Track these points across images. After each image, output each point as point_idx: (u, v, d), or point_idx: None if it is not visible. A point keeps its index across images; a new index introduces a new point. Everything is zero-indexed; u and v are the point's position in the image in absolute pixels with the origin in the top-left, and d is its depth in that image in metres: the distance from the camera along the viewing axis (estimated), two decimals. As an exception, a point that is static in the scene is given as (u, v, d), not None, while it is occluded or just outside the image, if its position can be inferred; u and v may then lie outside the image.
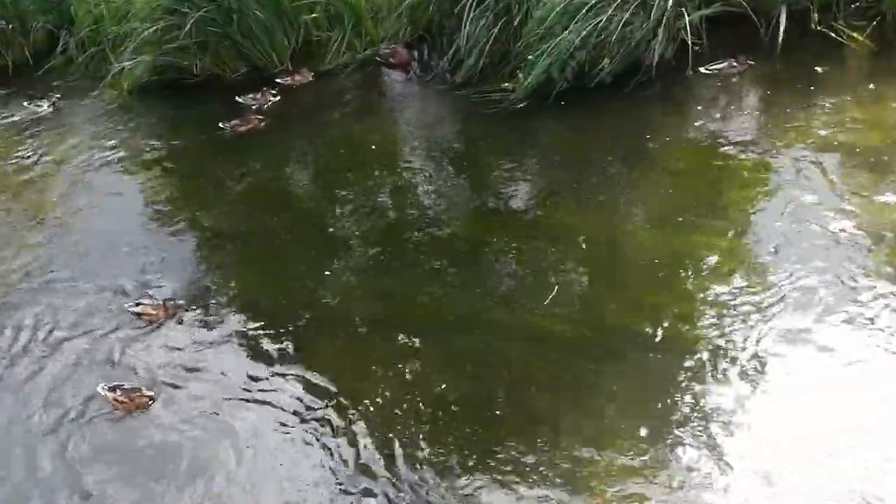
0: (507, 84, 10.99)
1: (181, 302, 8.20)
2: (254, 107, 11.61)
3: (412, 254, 8.50)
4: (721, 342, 6.48)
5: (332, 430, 6.34)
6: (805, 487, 5.19)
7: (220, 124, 11.21)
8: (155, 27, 11.91)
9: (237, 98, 11.70)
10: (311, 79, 12.17)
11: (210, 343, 7.59)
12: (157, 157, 11.00)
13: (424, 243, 8.55)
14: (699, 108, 10.30)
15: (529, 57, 10.58)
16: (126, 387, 7.09)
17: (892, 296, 6.55)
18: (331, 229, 9.11)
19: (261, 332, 7.59)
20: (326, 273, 8.29)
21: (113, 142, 11.41)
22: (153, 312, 8.02)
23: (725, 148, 9.37)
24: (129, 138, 11.57)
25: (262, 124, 11.23)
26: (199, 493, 5.94)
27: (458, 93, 11.27)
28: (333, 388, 6.71)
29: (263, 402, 6.76)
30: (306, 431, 6.44)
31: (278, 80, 12.05)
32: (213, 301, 8.10)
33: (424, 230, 8.76)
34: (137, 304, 8.14)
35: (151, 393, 7.00)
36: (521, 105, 10.61)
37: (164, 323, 7.93)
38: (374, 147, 10.59)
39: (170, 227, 9.41)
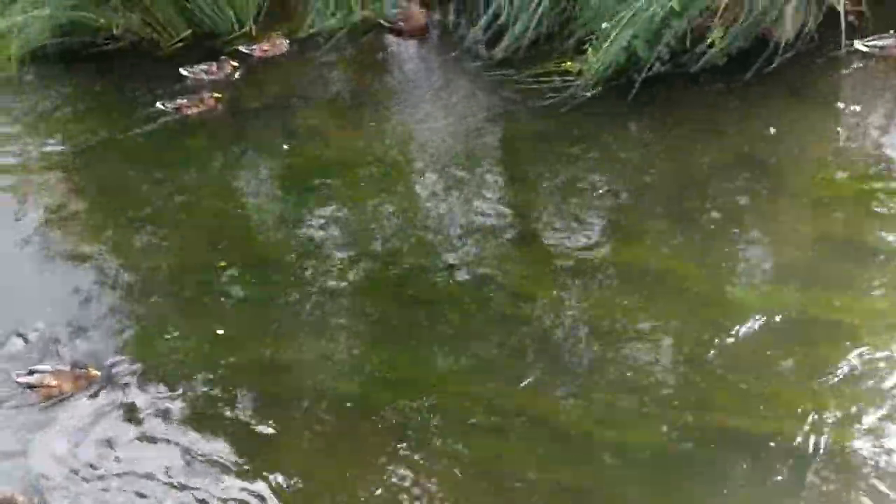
0: (569, 64, 10.86)
1: (95, 372, 8.04)
2: (206, 82, 11.64)
3: (420, 312, 8.34)
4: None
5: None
6: None
7: (159, 104, 11.23)
8: (57, -34, 11.70)
9: (182, 70, 11.70)
10: (286, 49, 12.09)
11: (133, 436, 7.49)
12: (56, 159, 10.89)
13: (440, 297, 8.40)
14: (852, 104, 10.14)
15: (604, 25, 10.37)
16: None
17: None
18: (301, 272, 8.92)
19: (195, 420, 7.48)
20: (289, 337, 8.21)
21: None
22: (54, 384, 8.04)
23: (887, 166, 9.33)
24: (14, 132, 11.57)
25: (219, 106, 11.24)
26: None
27: (496, 74, 11.13)
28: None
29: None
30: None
31: (242, 49, 12.03)
32: (132, 370, 8.00)
33: (439, 277, 8.64)
34: (31, 373, 8.15)
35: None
36: (590, 95, 10.45)
37: (69, 398, 7.90)
38: (369, 154, 10.43)
39: (72, 262, 9.29)
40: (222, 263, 9.06)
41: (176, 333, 8.36)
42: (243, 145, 10.89)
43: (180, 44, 12.28)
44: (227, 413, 7.58)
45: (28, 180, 10.69)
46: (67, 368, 8.06)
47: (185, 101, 11.24)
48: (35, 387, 8.03)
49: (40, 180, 10.68)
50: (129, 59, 12.20)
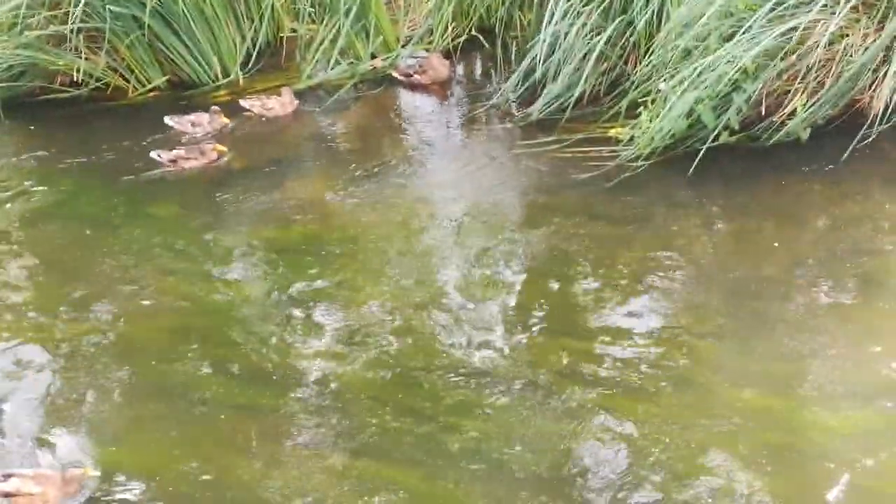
0: (619, 130, 10.64)
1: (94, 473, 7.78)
2: (195, 135, 11.55)
3: (423, 425, 7.86)
4: None
5: None
6: None
7: (154, 154, 11.15)
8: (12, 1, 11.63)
9: (168, 119, 11.55)
10: (293, 108, 11.97)
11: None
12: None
13: (449, 435, 7.72)
14: None
15: (661, 86, 10.10)
16: None
17: None
18: (285, 378, 8.42)
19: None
20: (272, 453, 7.72)
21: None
22: (35, 491, 7.80)
23: None
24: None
25: (221, 158, 11.20)
26: None
27: (531, 140, 10.86)
28: None
29: None
30: None
31: (242, 103, 11.89)
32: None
33: (447, 408, 7.98)
34: (7, 478, 7.89)
35: None
36: (643, 168, 10.14)
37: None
38: (373, 233, 10.03)
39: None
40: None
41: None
42: (223, 218, 10.62)
43: (156, 93, 12.29)
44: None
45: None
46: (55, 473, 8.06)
47: (181, 151, 11.28)
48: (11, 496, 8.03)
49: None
50: (91, 111, 12.22)
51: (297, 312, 9.18)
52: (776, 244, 9.43)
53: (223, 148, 11.16)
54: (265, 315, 9.27)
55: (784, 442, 7.35)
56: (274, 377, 8.50)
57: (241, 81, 12.16)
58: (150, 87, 12.13)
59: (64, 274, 10.05)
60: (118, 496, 7.59)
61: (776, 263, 9.18)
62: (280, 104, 11.83)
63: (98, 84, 12.06)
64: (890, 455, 7.13)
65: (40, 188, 11.22)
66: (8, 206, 10.96)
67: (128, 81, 12.13)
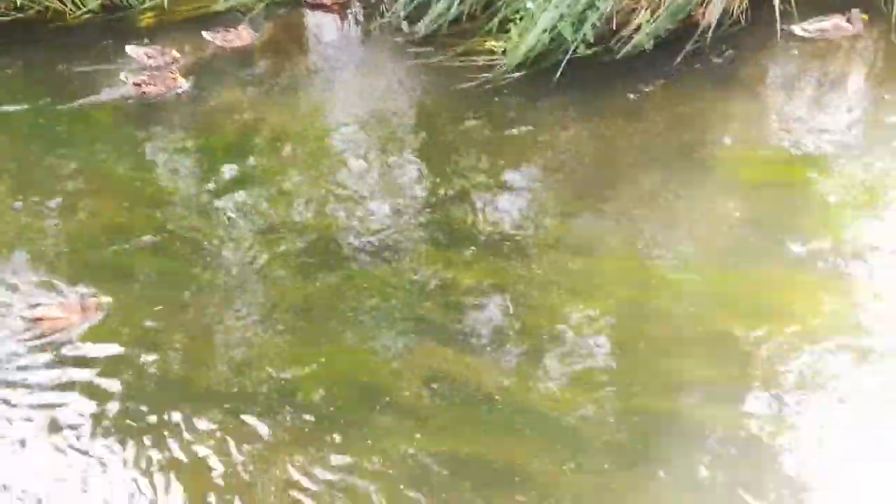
0: (493, 44, 11.32)
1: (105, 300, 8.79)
2: (150, 64, 12.09)
3: (344, 297, 8.74)
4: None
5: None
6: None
7: (122, 76, 11.74)
8: None
9: (128, 49, 12.23)
10: (251, 40, 12.53)
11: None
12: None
13: (364, 285, 8.78)
14: (782, 88, 10.77)
15: (528, 5, 10.78)
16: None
17: None
18: (213, 245, 9.48)
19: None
20: (212, 318, 8.62)
21: None
22: (60, 315, 8.78)
23: (813, 151, 9.92)
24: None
25: (180, 87, 11.74)
26: None
27: (419, 52, 11.59)
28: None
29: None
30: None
31: (205, 35, 12.42)
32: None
33: (361, 265, 9.00)
34: (35, 307, 8.89)
35: None
36: (515, 77, 10.94)
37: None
38: (289, 140, 10.85)
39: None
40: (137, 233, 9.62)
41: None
42: (159, 126, 11.38)
43: (87, 16, 12.76)
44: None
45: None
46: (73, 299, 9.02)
47: (146, 77, 11.83)
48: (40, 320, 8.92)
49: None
50: (36, 30, 12.72)
51: (225, 197, 10.07)
52: (624, 137, 10.37)
53: (181, 78, 11.79)
54: (198, 200, 10.13)
55: (635, 296, 8.46)
56: (207, 254, 9.36)
57: (166, 4, 12.65)
58: (85, 10, 12.62)
59: (18, 179, 10.74)
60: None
61: (625, 152, 10.20)
62: (238, 36, 12.45)
63: (39, 8, 12.58)
64: (730, 306, 8.27)
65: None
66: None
67: (65, 5, 12.57)
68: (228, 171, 10.50)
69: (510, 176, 10.01)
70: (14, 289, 9.12)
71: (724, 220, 9.20)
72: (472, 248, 9.06)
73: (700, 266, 8.77)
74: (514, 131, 10.57)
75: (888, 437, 7.04)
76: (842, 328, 7.90)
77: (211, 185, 10.31)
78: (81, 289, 8.99)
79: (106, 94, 11.85)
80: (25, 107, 11.74)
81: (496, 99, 10.91)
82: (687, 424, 7.36)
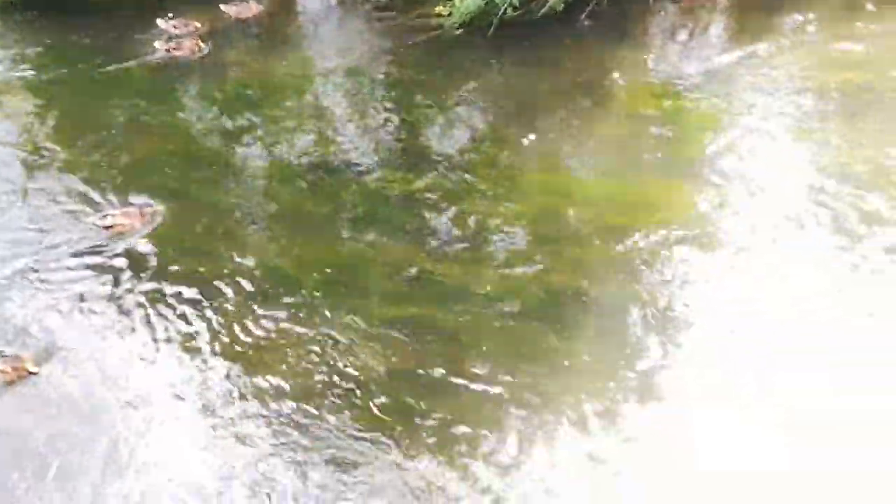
0: (440, 8, 13.69)
1: (159, 207, 10.94)
2: (178, 34, 14.44)
3: (329, 203, 11.26)
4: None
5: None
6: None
7: (157, 43, 14.10)
8: None
9: (159, 21, 14.62)
10: (258, 11, 14.89)
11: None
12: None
13: (343, 193, 11.40)
14: (660, 41, 13.53)
15: None
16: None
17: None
18: (226, 165, 12.06)
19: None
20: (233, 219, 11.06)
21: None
22: (125, 222, 10.85)
23: (684, 87, 12.58)
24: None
25: (204, 51, 14.14)
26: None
27: (383, 16, 14.18)
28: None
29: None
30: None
31: (222, 7, 14.77)
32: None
33: (338, 179, 11.65)
34: (105, 217, 10.86)
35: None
36: (457, 34, 13.43)
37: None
38: (286, 86, 13.41)
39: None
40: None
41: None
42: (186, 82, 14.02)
43: None
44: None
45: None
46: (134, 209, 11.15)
47: (173, 43, 14.24)
48: (110, 227, 10.94)
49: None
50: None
51: (239, 131, 12.58)
52: (543, 80, 12.96)
53: (202, 43, 14.24)
54: (219, 134, 12.70)
55: (550, 200, 11.03)
56: (228, 173, 11.89)
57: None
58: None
59: (79, 124, 13.12)
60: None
61: (543, 90, 12.81)
62: (248, 8, 14.95)
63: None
64: (621, 206, 10.80)
65: (49, 67, 14.14)
66: (28, 75, 14.00)
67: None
68: (241, 112, 12.94)
69: (455, 111, 12.59)
70: (88, 202, 11.33)
71: (618, 140, 11.81)
72: (426, 166, 11.62)
73: (600, 176, 11.47)
74: (457, 75, 13.11)
75: (713, 269, 9.95)
76: (695, 219, 10.49)
77: (229, 124, 12.80)
78: (139, 200, 11.23)
79: (143, 58, 14.15)
80: (80, 68, 13.97)
81: (444, 51, 13.46)
82: (584, 292, 9.72)
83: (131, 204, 11.26)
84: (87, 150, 12.38)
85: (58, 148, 12.33)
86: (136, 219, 11.04)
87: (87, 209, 11.24)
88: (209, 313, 9.76)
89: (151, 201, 11.24)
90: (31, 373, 9.21)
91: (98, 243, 10.76)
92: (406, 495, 7.91)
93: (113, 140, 12.59)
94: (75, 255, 10.59)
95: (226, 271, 10.27)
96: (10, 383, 9.12)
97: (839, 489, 7.63)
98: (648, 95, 12.66)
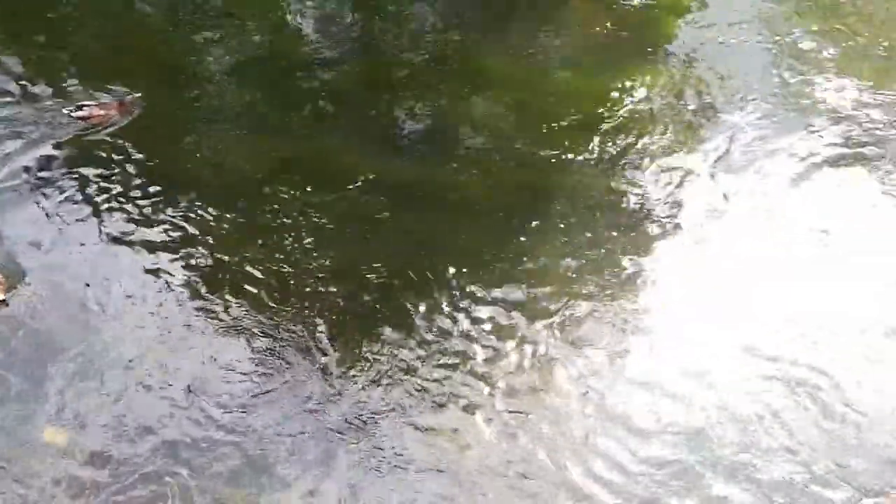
0: None
1: (138, 95, 11.42)
2: None
3: (298, 98, 12.04)
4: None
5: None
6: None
7: None
8: None
9: None
10: None
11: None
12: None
13: (312, 88, 12.22)
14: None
15: None
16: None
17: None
18: (212, 79, 12.48)
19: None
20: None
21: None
22: (101, 113, 11.12)
23: None
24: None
25: None
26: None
27: None
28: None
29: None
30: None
31: None
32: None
33: (311, 72, 12.40)
34: (80, 108, 11.13)
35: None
36: None
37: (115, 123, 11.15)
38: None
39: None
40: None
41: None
42: None
43: None
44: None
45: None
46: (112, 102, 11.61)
47: None
48: (87, 118, 11.33)
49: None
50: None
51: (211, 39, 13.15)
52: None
53: None
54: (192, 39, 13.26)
55: (523, 95, 12.17)
56: (204, 72, 12.51)
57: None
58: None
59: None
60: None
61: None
62: None
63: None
64: (585, 97, 12.00)
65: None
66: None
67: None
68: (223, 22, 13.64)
69: (437, 32, 13.46)
70: (63, 97, 11.79)
71: (581, 46, 13.05)
72: (407, 71, 12.66)
73: (565, 74, 12.55)
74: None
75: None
76: (642, 107, 11.90)
77: (204, 15, 13.62)
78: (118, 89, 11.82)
79: None
80: None
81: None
82: (552, 169, 11.13)
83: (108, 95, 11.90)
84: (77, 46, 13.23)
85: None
86: (112, 108, 11.57)
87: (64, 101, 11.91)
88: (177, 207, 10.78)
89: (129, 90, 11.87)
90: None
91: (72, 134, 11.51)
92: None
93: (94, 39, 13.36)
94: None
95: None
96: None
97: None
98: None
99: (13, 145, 11.31)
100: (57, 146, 11.34)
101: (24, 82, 12.37)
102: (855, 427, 8.57)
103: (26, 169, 11.05)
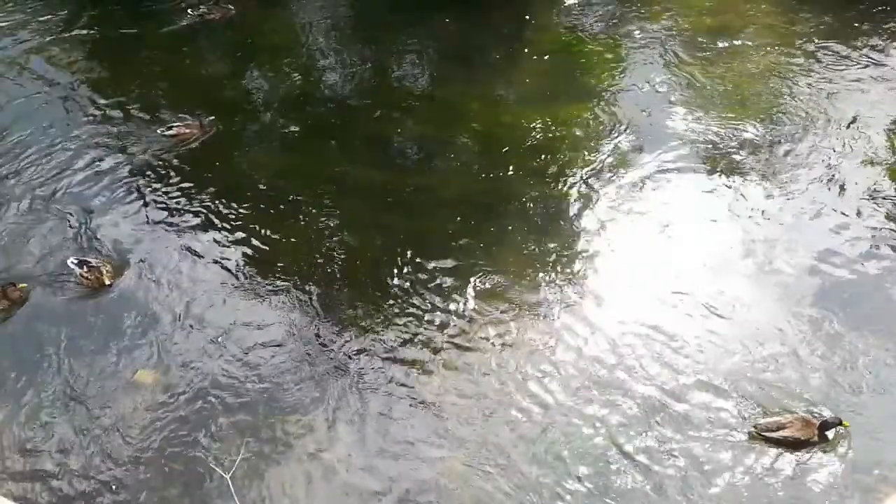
0: None
1: (212, 118, 15.74)
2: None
3: (314, 123, 16.25)
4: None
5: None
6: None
7: (190, 11, 19.29)
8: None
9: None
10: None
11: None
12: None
13: (323, 114, 16.42)
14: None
15: None
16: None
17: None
18: (260, 106, 16.89)
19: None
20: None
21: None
22: (187, 131, 15.25)
23: (584, 35, 17.74)
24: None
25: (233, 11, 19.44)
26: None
27: None
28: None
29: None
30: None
31: None
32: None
33: (325, 105, 16.65)
34: (171, 127, 15.34)
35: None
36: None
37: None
38: (286, 44, 18.53)
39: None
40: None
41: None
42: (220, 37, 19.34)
43: None
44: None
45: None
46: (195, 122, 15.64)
47: (206, 9, 19.44)
48: (175, 136, 15.39)
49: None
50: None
51: (261, 69, 17.94)
52: (474, 34, 18.31)
53: (231, 8, 19.65)
54: (250, 74, 17.86)
55: (489, 122, 16.55)
56: (254, 100, 17.01)
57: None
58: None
59: (142, 69, 18.30)
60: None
61: (475, 43, 18.17)
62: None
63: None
64: (545, 123, 15.92)
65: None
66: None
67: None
68: (262, 59, 18.19)
69: (411, 56, 17.82)
70: (156, 121, 16.24)
71: (538, 73, 16.88)
72: (388, 100, 16.71)
73: (525, 102, 16.29)
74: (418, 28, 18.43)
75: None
76: (592, 126, 15.88)
77: (253, 65, 18.03)
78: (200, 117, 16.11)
79: (183, 21, 19.39)
80: (135, 32, 19.30)
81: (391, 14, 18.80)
82: (513, 183, 14.80)
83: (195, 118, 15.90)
84: (157, 79, 17.90)
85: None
86: (195, 128, 15.32)
87: (155, 124, 16.22)
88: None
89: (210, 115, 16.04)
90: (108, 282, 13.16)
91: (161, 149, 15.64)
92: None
93: (166, 75, 18.06)
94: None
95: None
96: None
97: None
98: (554, 41, 18.07)
99: (119, 158, 15.46)
100: (154, 158, 15.34)
101: (128, 108, 16.51)
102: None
103: (131, 175, 15.05)
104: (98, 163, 15.35)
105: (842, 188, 14.14)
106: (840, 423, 10.83)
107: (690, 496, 10.39)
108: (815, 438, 10.82)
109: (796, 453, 10.75)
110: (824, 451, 10.74)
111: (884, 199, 13.88)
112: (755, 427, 10.99)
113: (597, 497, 10.39)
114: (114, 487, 10.74)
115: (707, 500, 10.34)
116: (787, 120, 15.63)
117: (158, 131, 15.49)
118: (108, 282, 12.89)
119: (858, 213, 13.69)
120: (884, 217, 13.61)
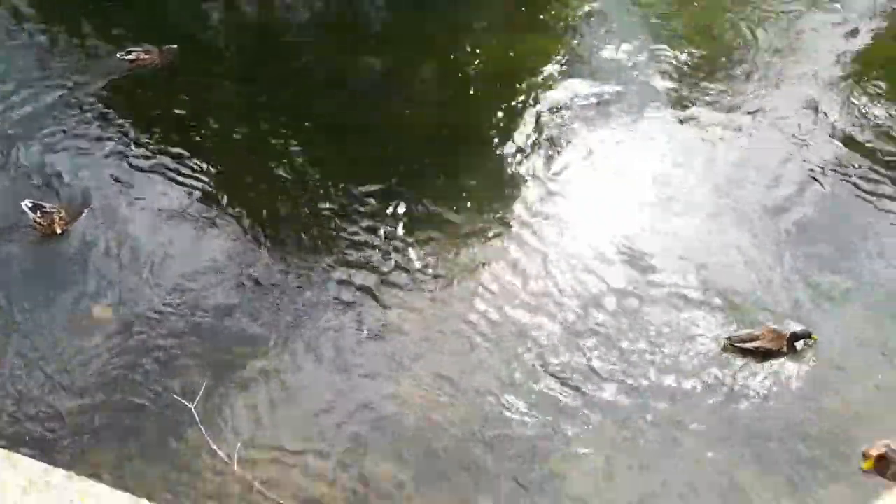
0: None
1: (175, 46, 14.88)
2: None
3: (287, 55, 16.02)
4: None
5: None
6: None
7: None
8: None
9: None
10: None
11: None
12: None
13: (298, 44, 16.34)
14: None
15: None
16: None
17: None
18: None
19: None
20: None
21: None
22: (146, 57, 14.66)
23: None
24: None
25: None
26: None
27: None
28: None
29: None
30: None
31: None
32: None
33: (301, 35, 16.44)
34: (129, 52, 14.64)
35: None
36: None
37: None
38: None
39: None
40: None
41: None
42: None
43: None
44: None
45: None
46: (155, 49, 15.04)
47: None
48: (134, 61, 14.92)
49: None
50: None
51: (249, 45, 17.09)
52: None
53: None
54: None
55: (463, 57, 16.05)
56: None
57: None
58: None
59: None
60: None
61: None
62: None
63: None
64: (510, 59, 15.94)
65: None
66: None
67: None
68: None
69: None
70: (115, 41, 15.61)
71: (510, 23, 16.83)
72: (373, 42, 16.49)
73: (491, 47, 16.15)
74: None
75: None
76: (561, 66, 15.85)
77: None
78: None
79: None
80: None
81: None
82: (469, 111, 15.13)
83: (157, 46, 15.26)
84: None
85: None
86: (155, 54, 14.97)
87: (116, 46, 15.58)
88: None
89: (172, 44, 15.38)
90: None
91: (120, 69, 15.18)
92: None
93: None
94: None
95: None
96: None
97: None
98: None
99: (77, 79, 15.00)
100: (112, 81, 15.00)
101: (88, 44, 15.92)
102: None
103: (81, 110, 14.57)
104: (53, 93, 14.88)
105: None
106: (809, 336, 11.41)
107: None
108: (785, 349, 11.34)
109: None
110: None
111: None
112: (729, 339, 11.52)
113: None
114: (75, 420, 10.68)
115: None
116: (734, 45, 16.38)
117: (117, 56, 15.01)
118: (59, 230, 12.70)
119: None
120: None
